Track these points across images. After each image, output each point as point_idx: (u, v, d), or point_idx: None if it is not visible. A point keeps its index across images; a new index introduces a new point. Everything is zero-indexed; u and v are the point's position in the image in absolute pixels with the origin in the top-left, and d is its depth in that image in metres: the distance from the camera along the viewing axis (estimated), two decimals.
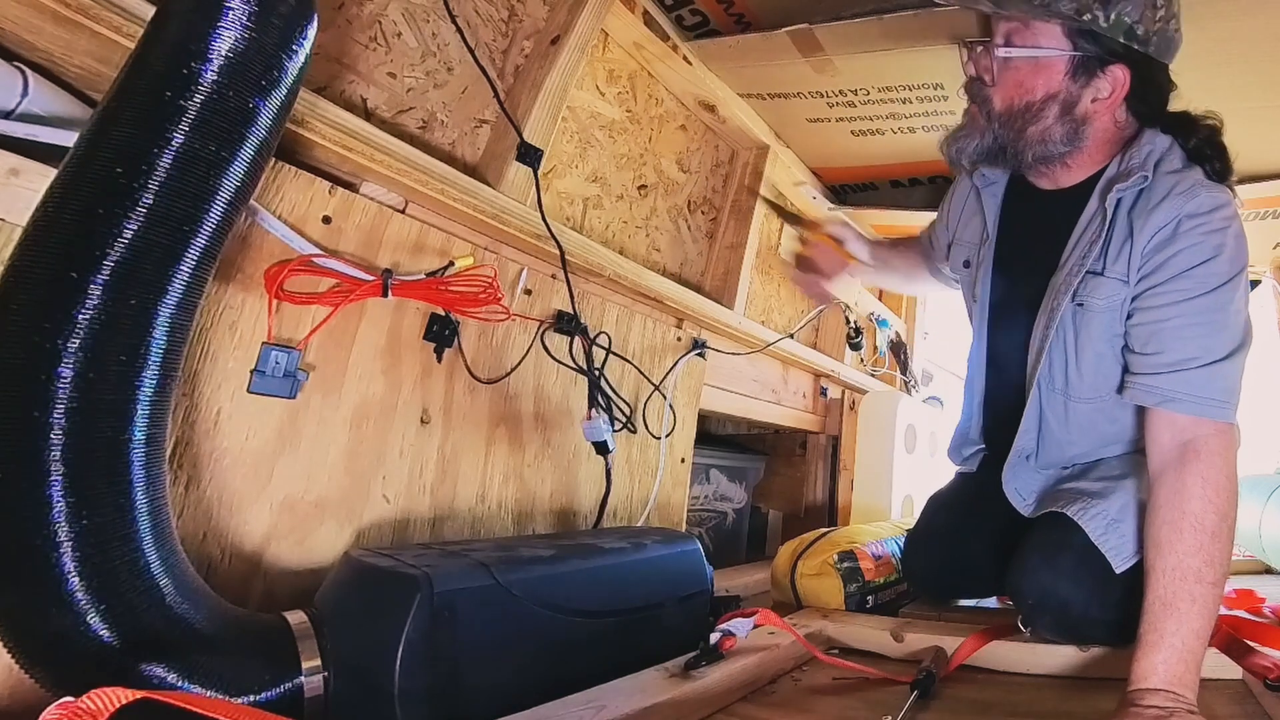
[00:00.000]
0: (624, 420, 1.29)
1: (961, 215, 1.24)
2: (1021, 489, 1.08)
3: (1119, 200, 0.96)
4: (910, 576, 1.30)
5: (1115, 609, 0.88)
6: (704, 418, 1.63)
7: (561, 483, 1.20)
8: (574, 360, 1.19)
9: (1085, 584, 0.90)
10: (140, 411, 0.59)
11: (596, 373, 1.21)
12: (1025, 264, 1.10)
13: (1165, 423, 0.88)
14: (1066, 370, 1.02)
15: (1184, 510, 0.80)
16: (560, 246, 1.10)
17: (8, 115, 0.67)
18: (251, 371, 0.80)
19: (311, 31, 0.70)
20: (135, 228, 0.58)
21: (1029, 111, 0.97)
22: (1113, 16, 0.89)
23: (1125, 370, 0.97)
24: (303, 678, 0.65)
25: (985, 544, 1.12)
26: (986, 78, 1.00)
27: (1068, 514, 0.94)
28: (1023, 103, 0.97)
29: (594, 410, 1.15)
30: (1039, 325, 1.04)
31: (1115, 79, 0.94)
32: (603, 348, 1.25)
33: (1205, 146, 0.96)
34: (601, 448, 1.14)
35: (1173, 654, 0.73)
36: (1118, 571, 0.88)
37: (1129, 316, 0.95)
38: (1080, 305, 0.98)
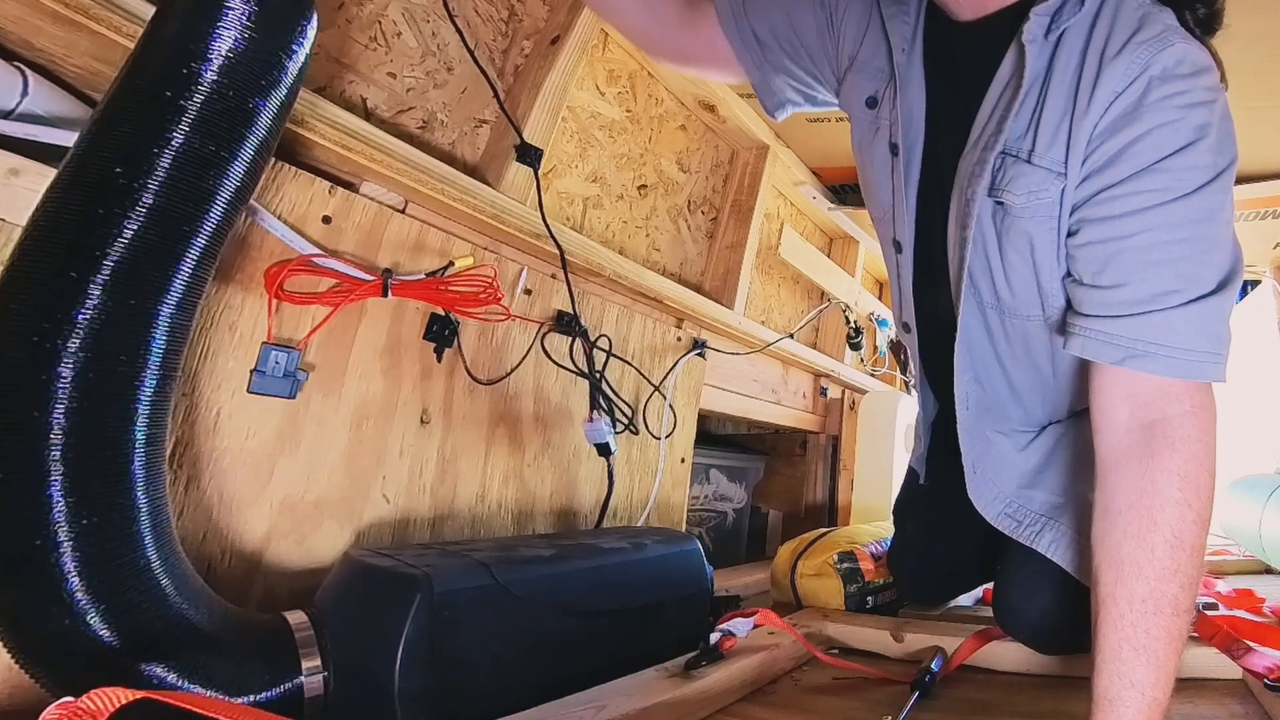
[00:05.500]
0: (625, 421, 1.29)
1: (866, 34, 0.85)
2: (987, 497, 0.92)
3: (1057, 37, 0.67)
4: (903, 594, 1.30)
5: None
6: (704, 418, 1.63)
7: (561, 483, 1.20)
8: (575, 364, 1.19)
9: (1070, 608, 0.84)
10: (140, 411, 0.59)
11: (598, 375, 1.21)
12: (948, 134, 0.79)
13: (1123, 389, 0.65)
14: (995, 287, 0.78)
15: (1156, 521, 0.61)
16: (560, 246, 1.10)
17: (8, 115, 0.67)
18: (251, 371, 0.80)
19: (311, 31, 0.70)
20: (135, 228, 0.58)
21: None
22: None
23: (1068, 308, 0.71)
24: (302, 678, 0.65)
25: (964, 543, 1.10)
26: None
27: (1036, 549, 0.87)
28: None
29: (595, 412, 1.15)
30: (953, 227, 0.78)
31: None
32: (603, 350, 1.25)
33: None
34: (603, 449, 1.14)
35: (1152, 710, 0.58)
36: None
37: (1073, 233, 0.68)
38: (1001, 205, 0.72)
